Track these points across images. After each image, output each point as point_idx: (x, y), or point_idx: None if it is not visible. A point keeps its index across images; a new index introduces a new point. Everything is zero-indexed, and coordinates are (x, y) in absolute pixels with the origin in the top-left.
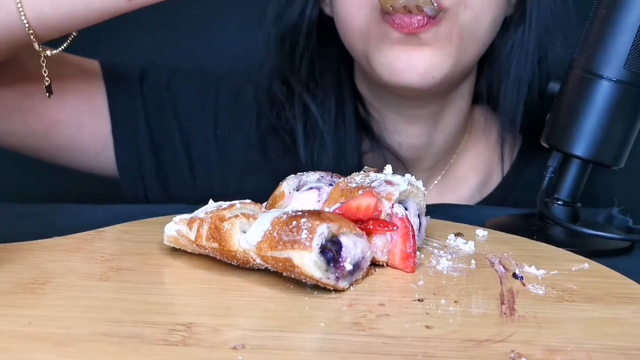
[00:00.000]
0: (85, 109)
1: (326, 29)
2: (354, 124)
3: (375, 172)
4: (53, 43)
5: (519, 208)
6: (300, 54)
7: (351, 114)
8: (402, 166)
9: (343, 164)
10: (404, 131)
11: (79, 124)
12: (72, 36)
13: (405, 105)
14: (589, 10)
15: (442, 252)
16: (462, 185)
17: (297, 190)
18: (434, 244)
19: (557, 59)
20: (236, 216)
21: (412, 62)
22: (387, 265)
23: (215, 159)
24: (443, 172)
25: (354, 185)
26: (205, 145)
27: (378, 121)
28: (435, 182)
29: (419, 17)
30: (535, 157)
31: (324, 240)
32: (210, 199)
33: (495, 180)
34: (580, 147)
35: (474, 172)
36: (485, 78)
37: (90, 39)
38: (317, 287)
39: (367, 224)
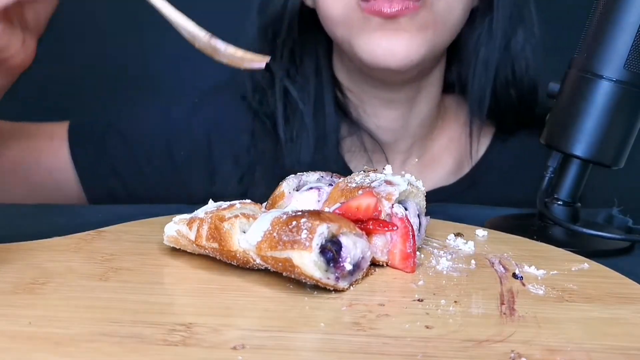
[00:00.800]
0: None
1: (307, 18)
2: (333, 108)
3: (375, 172)
4: None
5: (491, 192)
6: (281, 43)
7: (330, 98)
8: (379, 148)
9: (322, 146)
10: (381, 115)
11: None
12: None
13: (382, 90)
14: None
15: (442, 252)
16: (438, 167)
17: (297, 190)
18: (434, 244)
19: (519, 45)
20: (236, 216)
21: (393, 48)
22: (387, 265)
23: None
24: (420, 154)
25: (353, 185)
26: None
27: (356, 105)
28: (413, 163)
29: (397, 3)
30: (508, 141)
31: (323, 241)
32: (210, 199)
33: (469, 163)
34: (580, 147)
35: (448, 155)
36: (455, 67)
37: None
38: (317, 287)
39: (367, 224)
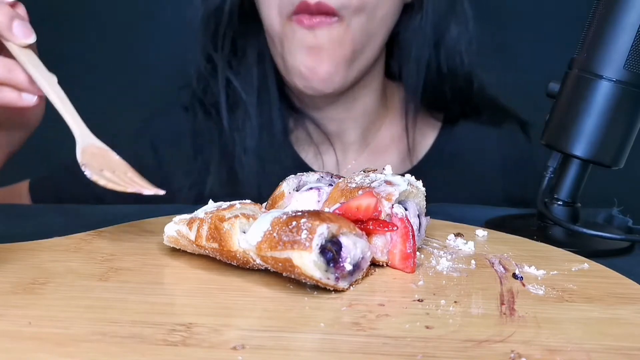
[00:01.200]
0: None
1: (249, 10)
2: (277, 96)
3: (375, 172)
4: None
5: (441, 181)
6: (222, 34)
7: (274, 87)
8: (325, 138)
9: (268, 134)
10: (323, 108)
11: None
12: None
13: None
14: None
15: (442, 252)
16: (388, 156)
17: (297, 191)
18: (434, 244)
19: (452, 41)
20: (236, 216)
21: (316, 69)
22: (387, 265)
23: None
24: (368, 144)
25: (353, 185)
26: None
27: (300, 97)
28: (365, 153)
29: (318, 18)
30: (454, 131)
31: (323, 241)
32: (210, 199)
33: (420, 151)
34: (580, 147)
35: (396, 144)
36: (395, 58)
37: None
38: (317, 288)
39: (367, 224)
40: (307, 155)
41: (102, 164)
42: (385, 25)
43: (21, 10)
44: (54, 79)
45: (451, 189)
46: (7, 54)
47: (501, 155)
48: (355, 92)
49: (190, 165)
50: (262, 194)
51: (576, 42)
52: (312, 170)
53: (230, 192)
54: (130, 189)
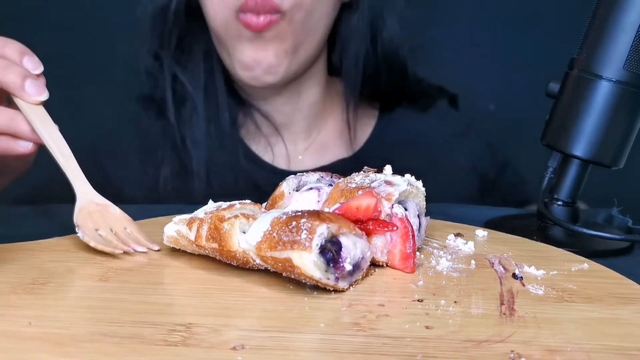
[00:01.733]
0: None
1: (194, 8)
2: (225, 90)
3: (375, 172)
4: None
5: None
6: (168, 32)
7: (222, 81)
8: (274, 130)
9: (215, 126)
10: (270, 100)
11: None
12: None
13: None
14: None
15: (442, 252)
16: (333, 146)
17: (297, 191)
18: (434, 244)
19: (389, 39)
20: (236, 216)
21: (260, 59)
22: (387, 265)
23: None
24: (318, 134)
25: (353, 185)
26: None
27: (246, 90)
28: (313, 144)
29: (263, 17)
30: (391, 122)
31: (323, 241)
32: (210, 199)
33: (361, 139)
34: (580, 147)
35: (340, 134)
36: (335, 53)
37: None
38: (317, 288)
39: (367, 224)
40: (258, 146)
41: (98, 222)
42: (323, 21)
43: (32, 63)
44: (56, 130)
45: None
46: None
47: (437, 135)
48: (300, 85)
49: (142, 159)
50: (212, 184)
51: (576, 42)
52: (261, 160)
53: (181, 184)
54: (118, 250)
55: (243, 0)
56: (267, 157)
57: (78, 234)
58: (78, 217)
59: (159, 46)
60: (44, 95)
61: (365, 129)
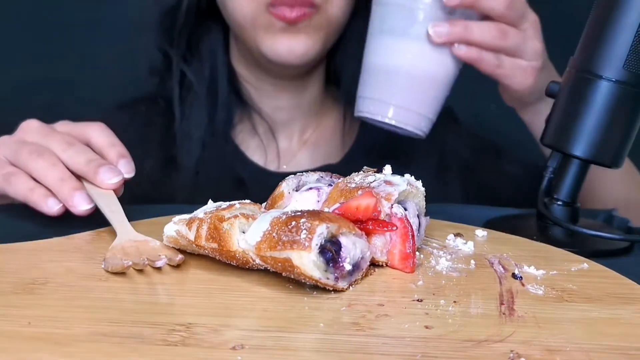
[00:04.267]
0: None
1: (204, 8)
2: (227, 89)
3: (374, 172)
4: None
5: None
6: (178, 32)
7: (225, 79)
8: (268, 130)
9: (211, 124)
10: (275, 96)
11: None
12: None
13: (276, 78)
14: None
15: (441, 252)
16: (326, 146)
17: (297, 191)
18: (434, 244)
19: None
20: (235, 216)
21: (293, 47)
22: (387, 265)
23: None
24: (312, 134)
25: (353, 185)
26: None
27: (251, 89)
28: (305, 146)
29: (297, 9)
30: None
31: (323, 241)
32: (210, 199)
33: (348, 143)
34: (580, 147)
35: (334, 136)
36: (334, 62)
37: None
38: (317, 288)
39: (367, 224)
40: (249, 146)
41: (131, 254)
42: (345, 17)
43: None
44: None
45: None
46: None
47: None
48: (305, 81)
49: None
50: (200, 178)
51: (576, 42)
52: (250, 160)
53: (166, 178)
54: (127, 262)
55: None
56: (256, 156)
57: (102, 265)
58: (108, 252)
59: (169, 44)
60: (116, 179)
61: (352, 132)
